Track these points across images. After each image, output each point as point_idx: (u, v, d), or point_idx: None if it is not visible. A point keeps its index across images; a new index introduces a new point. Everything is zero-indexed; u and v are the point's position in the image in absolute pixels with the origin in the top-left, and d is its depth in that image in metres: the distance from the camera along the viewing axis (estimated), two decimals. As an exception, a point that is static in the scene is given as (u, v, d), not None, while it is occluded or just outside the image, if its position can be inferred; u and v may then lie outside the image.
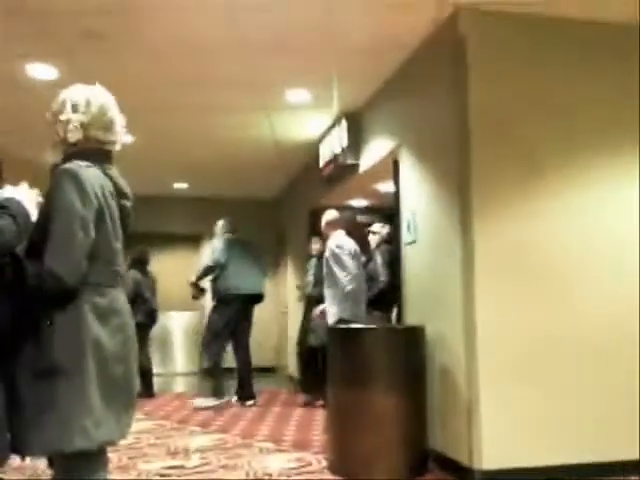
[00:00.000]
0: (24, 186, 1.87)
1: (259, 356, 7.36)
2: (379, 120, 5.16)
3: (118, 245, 1.97)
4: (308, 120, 5.97)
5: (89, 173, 1.89)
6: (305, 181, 7.79)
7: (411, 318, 4.30)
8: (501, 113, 3.69)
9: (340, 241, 4.86)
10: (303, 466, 3.96)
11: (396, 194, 4.73)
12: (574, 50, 3.81)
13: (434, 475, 3.66)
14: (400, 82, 4.66)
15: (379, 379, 3.66)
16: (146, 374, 6.73)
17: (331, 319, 4.63)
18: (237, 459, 4.15)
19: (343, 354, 3.84)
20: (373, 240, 5.80)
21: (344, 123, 5.62)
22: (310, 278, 6.45)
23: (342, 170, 5.85)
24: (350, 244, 4.90)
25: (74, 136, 1.98)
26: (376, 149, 5.19)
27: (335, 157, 5.88)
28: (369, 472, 3.59)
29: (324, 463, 3.97)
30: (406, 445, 3.66)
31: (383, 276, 5.45)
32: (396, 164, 4.72)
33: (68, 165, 1.89)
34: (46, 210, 1.84)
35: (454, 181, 3.81)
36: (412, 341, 3.84)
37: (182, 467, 3.95)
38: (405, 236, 4.47)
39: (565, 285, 3.67)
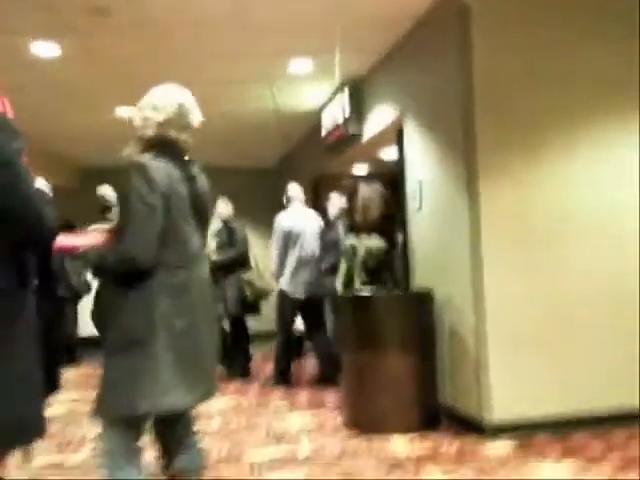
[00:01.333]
0: (41, 181, 2.02)
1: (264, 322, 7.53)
2: (382, 89, 5.24)
3: (189, 226, 2.13)
4: (310, 89, 6.03)
5: (156, 164, 2.06)
6: (307, 149, 7.88)
7: (419, 282, 4.47)
8: (505, 81, 3.79)
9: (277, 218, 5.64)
10: (320, 423, 4.18)
11: (400, 162, 4.85)
12: (579, 17, 3.89)
13: (446, 428, 3.88)
14: (404, 51, 4.73)
15: (391, 341, 3.86)
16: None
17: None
18: (256, 418, 4.38)
19: (356, 320, 4.03)
20: (332, 210, 5.90)
21: (346, 92, 5.70)
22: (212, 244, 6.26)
23: (344, 139, 5.95)
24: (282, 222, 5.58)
25: (149, 132, 2.15)
26: (379, 117, 5.29)
27: (337, 126, 5.97)
28: (384, 427, 3.81)
29: (340, 420, 4.19)
30: (419, 401, 3.88)
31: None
32: (400, 132, 4.83)
33: (137, 158, 2.08)
34: (122, 202, 2.08)
35: (459, 148, 3.93)
36: (421, 305, 4.03)
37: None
38: (411, 203, 4.60)
39: (568, 249, 3.83)
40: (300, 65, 5.32)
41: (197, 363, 2.11)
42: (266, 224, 8.32)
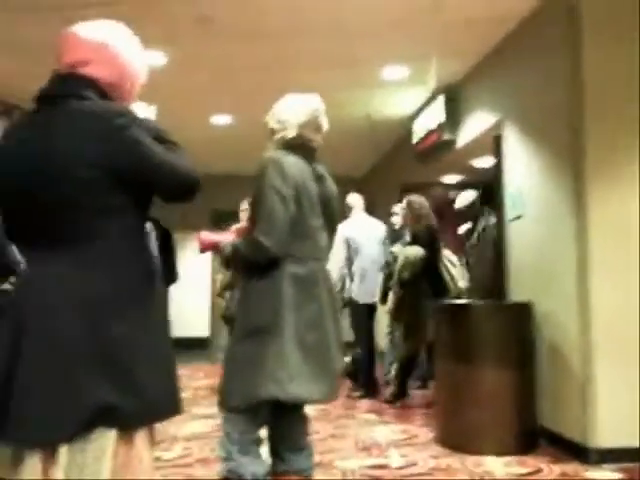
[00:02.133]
0: (143, 105, 2.02)
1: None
2: (480, 94, 5.08)
3: (317, 222, 2.23)
4: (403, 96, 5.94)
5: (290, 159, 2.19)
6: (397, 158, 7.78)
7: (517, 294, 4.26)
8: (619, 84, 3.56)
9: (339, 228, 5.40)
10: (409, 438, 4.05)
11: (497, 169, 4.66)
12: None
13: (545, 451, 3.65)
14: (504, 54, 4.56)
15: (488, 355, 3.68)
16: None
17: None
18: (344, 429, 4.30)
19: (451, 330, 3.88)
20: (396, 220, 5.83)
21: (441, 98, 5.57)
22: None
23: (437, 146, 5.81)
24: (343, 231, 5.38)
25: (290, 133, 2.29)
26: (476, 124, 5.12)
27: (430, 133, 5.84)
28: (477, 446, 3.63)
29: (431, 435, 4.05)
30: (515, 421, 3.66)
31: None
32: (498, 139, 4.65)
33: (272, 153, 2.21)
34: (256, 194, 2.15)
35: (566, 155, 3.72)
36: (521, 317, 3.83)
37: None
38: (510, 212, 4.41)
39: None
40: (395, 72, 5.26)
41: (322, 357, 2.12)
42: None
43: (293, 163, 2.20)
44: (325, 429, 4.30)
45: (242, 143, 7.22)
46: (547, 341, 3.85)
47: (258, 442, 2.15)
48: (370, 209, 9.30)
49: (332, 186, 2.39)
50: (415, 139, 6.32)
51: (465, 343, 3.73)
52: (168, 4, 4.03)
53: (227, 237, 2.28)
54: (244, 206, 4.95)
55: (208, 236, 2.25)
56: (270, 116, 2.39)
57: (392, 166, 8.08)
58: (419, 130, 6.22)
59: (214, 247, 2.25)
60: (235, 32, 4.49)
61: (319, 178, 2.31)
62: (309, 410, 4.71)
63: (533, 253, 4.10)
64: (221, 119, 6.65)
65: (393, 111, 6.41)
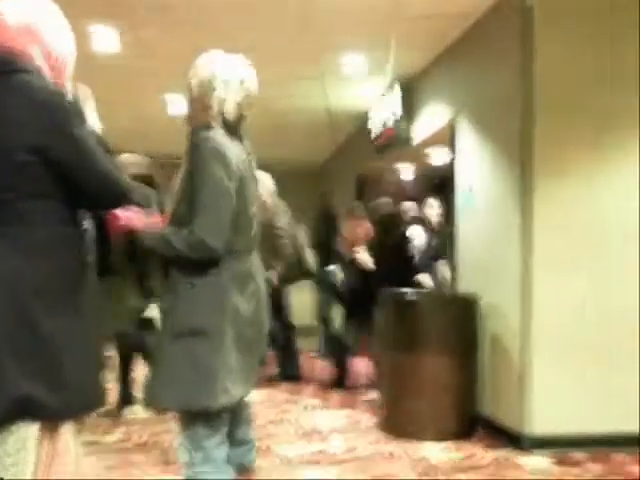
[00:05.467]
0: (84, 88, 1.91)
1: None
2: (436, 88, 5.13)
3: (254, 210, 2.08)
4: (361, 87, 5.95)
5: (231, 147, 1.99)
6: (354, 147, 7.81)
7: (464, 286, 4.35)
8: (567, 82, 3.64)
9: None
10: (352, 424, 4.11)
11: (451, 164, 4.73)
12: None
13: (482, 438, 3.76)
14: (461, 50, 4.62)
15: (431, 344, 3.76)
16: None
17: None
18: (285, 414, 4.34)
19: (396, 319, 3.94)
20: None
21: (398, 91, 5.60)
22: None
23: (393, 140, 5.85)
24: None
25: (231, 115, 2.05)
26: (431, 118, 5.18)
27: (387, 126, 5.88)
28: (418, 432, 3.71)
29: (373, 421, 4.11)
30: (455, 408, 3.77)
31: None
32: (453, 132, 4.71)
33: (212, 140, 1.96)
34: (189, 182, 1.95)
35: (515, 149, 3.80)
36: (465, 309, 3.92)
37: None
38: (460, 205, 4.49)
39: (625, 255, 3.63)
40: (352, 62, 5.25)
41: (256, 352, 2.08)
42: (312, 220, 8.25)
43: (233, 149, 2.00)
44: (266, 415, 4.31)
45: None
46: (490, 332, 3.95)
47: (221, 447, 2.02)
48: (329, 196, 9.38)
49: (255, 163, 2.19)
50: (373, 131, 6.35)
51: (409, 333, 3.81)
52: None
53: (153, 223, 2.05)
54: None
55: (131, 218, 1.95)
56: (202, 85, 2.04)
57: (349, 156, 8.11)
58: (376, 122, 6.25)
59: (131, 232, 1.99)
60: (191, 21, 4.41)
61: (249, 159, 2.12)
62: (253, 395, 4.74)
63: (481, 246, 4.19)
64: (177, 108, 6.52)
65: (351, 101, 6.42)
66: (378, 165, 6.83)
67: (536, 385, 3.54)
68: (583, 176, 3.68)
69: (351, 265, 5.23)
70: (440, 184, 5.52)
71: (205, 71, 2.08)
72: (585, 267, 3.62)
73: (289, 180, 9.64)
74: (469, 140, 4.46)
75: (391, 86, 5.72)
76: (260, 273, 2.12)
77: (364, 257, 5.11)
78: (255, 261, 2.09)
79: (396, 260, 4.99)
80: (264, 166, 10.03)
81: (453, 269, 4.57)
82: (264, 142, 8.30)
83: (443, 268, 5.05)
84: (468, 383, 3.84)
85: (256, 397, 4.72)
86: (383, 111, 5.99)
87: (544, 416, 3.52)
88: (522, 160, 3.72)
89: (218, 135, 1.98)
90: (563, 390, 3.55)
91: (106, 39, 4.69)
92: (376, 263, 5.04)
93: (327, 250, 6.13)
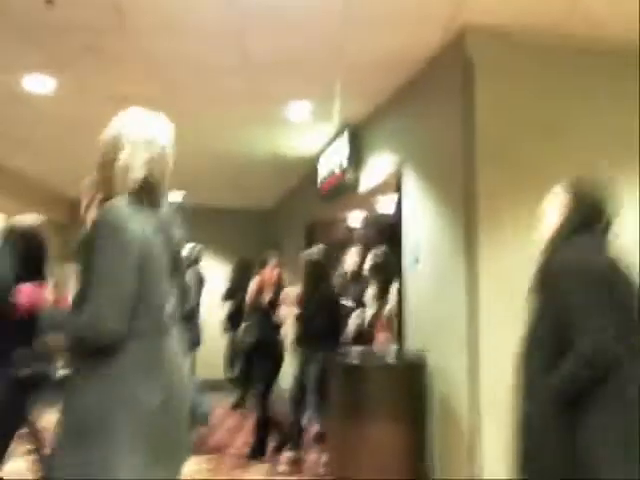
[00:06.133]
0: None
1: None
2: (382, 136, 5.09)
3: (165, 286, 1.83)
4: (308, 133, 5.89)
5: (131, 217, 1.74)
6: (302, 194, 7.72)
7: (412, 344, 4.20)
8: (507, 136, 3.62)
9: None
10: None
11: (397, 216, 4.63)
12: (578, 77, 3.77)
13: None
14: (405, 98, 4.58)
15: (377, 410, 3.59)
16: None
17: None
18: None
19: (340, 384, 3.78)
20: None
21: (345, 138, 5.55)
22: None
23: (340, 187, 5.78)
24: None
25: (133, 183, 1.80)
26: (377, 167, 5.11)
27: (334, 173, 5.81)
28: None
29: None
30: (405, 475, 3.58)
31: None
32: (399, 181, 4.63)
33: (110, 213, 1.74)
34: (87, 257, 1.73)
35: (459, 203, 3.73)
36: (412, 371, 3.78)
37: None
38: (407, 259, 4.38)
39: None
40: (298, 108, 5.18)
41: (171, 455, 1.79)
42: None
43: (136, 221, 1.75)
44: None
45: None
46: (438, 393, 3.81)
47: None
48: (277, 243, 9.24)
49: (178, 229, 1.96)
50: (320, 178, 6.27)
51: (356, 401, 3.63)
52: (55, 33, 3.77)
53: (46, 296, 1.85)
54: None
55: (30, 292, 1.80)
56: (106, 146, 1.84)
57: (298, 202, 8.01)
58: (323, 169, 6.18)
59: (33, 307, 1.82)
60: (131, 64, 4.27)
61: (165, 227, 1.87)
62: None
63: (428, 303, 4.07)
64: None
65: (298, 148, 6.36)
66: (328, 212, 6.73)
67: (486, 447, 3.39)
68: (527, 228, 3.61)
69: (260, 316, 5.11)
70: (389, 232, 5.43)
71: (111, 131, 1.87)
72: (533, 323, 3.54)
73: (238, 225, 9.52)
74: (414, 193, 4.39)
75: (339, 133, 5.67)
76: (180, 358, 1.86)
77: (283, 312, 4.96)
78: (171, 345, 1.82)
79: (323, 312, 4.79)
80: (214, 210, 9.92)
81: (400, 327, 4.42)
82: (212, 186, 8.25)
83: (354, 319, 4.91)
84: (417, 449, 3.67)
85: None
86: (330, 158, 5.93)
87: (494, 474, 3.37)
88: (466, 213, 3.65)
89: (120, 206, 1.75)
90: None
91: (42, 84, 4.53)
92: (304, 315, 4.85)
93: (240, 302, 6.03)
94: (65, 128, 5.67)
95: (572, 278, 1.99)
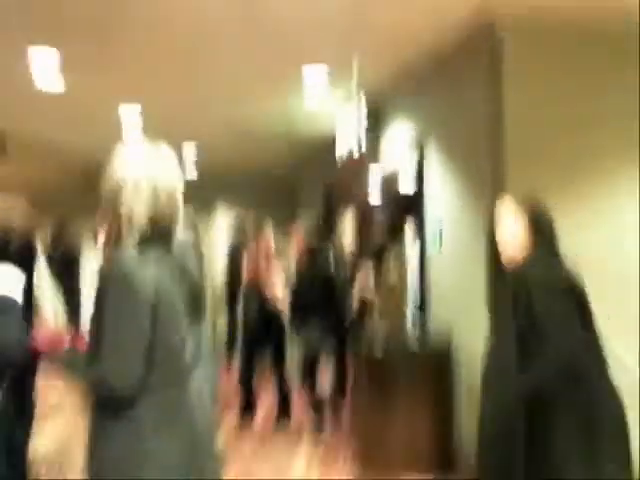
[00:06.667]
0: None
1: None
2: (401, 106, 4.92)
3: (181, 333, 1.73)
4: (324, 103, 5.68)
5: (140, 265, 1.65)
6: (317, 157, 7.55)
7: (438, 331, 4.12)
8: (540, 119, 3.46)
9: None
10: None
11: (419, 194, 4.47)
12: (614, 63, 3.55)
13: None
14: (429, 72, 4.39)
15: (404, 400, 3.61)
16: None
17: None
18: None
19: (368, 377, 3.76)
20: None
21: (362, 104, 5.34)
22: None
23: (358, 161, 5.61)
24: None
25: (139, 228, 1.69)
26: (397, 136, 4.95)
27: (352, 145, 5.62)
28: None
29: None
30: (433, 463, 3.59)
31: None
32: (420, 160, 4.47)
33: (115, 263, 1.66)
34: (99, 309, 1.66)
35: (485, 182, 3.61)
36: (439, 359, 3.77)
37: None
38: (430, 245, 4.27)
39: (599, 301, 3.42)
40: (315, 72, 4.94)
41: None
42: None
43: (147, 269, 1.65)
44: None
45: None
46: (465, 381, 3.76)
47: None
48: (292, 206, 9.12)
49: (193, 262, 1.83)
50: (338, 149, 6.09)
51: (382, 391, 3.62)
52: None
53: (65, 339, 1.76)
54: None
55: (49, 338, 1.72)
56: (108, 192, 1.72)
57: (314, 165, 7.86)
58: (342, 139, 5.99)
59: (54, 349, 1.73)
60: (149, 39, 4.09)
61: (181, 265, 1.76)
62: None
63: (454, 293, 3.98)
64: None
65: (313, 112, 6.16)
66: (345, 176, 6.59)
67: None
68: (555, 212, 3.48)
69: (253, 294, 4.81)
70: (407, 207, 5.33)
71: (111, 173, 1.75)
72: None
73: (252, 186, 9.36)
74: (437, 171, 4.25)
75: (356, 98, 5.46)
76: (205, 404, 1.79)
77: (277, 293, 4.73)
78: (192, 394, 1.74)
79: (320, 294, 4.52)
80: (227, 176, 9.70)
81: (425, 312, 4.33)
82: (226, 151, 8.09)
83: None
84: (444, 436, 3.68)
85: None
86: (348, 123, 5.73)
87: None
88: (493, 199, 3.51)
89: (127, 256, 1.66)
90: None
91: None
92: (299, 294, 4.64)
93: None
94: (75, 98, 5.51)
95: (542, 291, 2.22)
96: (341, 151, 5.92)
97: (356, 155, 5.34)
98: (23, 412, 1.83)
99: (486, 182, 3.58)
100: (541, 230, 2.40)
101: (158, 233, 1.72)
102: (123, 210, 1.69)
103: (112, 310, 1.63)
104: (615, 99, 3.52)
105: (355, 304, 4.66)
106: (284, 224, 9.20)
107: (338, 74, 4.90)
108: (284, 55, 4.59)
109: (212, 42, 4.36)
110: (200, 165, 8.68)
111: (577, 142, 3.48)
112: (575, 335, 2.18)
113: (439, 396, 3.68)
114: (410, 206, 4.72)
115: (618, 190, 3.53)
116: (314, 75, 4.94)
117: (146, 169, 1.74)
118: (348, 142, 5.66)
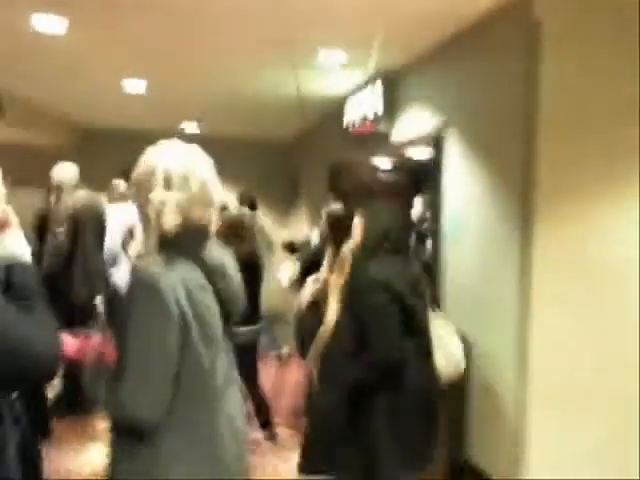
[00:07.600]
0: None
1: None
2: (420, 90, 4.69)
3: (212, 353, 1.57)
4: (339, 75, 5.45)
5: (170, 276, 1.49)
6: (325, 133, 7.32)
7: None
8: (580, 109, 3.26)
9: None
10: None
11: (436, 181, 4.29)
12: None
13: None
14: (452, 54, 4.15)
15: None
16: None
17: None
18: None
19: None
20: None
21: (379, 85, 5.13)
22: None
23: (371, 136, 5.43)
24: None
25: (170, 221, 1.55)
26: (415, 122, 4.74)
27: (366, 120, 5.43)
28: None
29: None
30: (443, 464, 3.49)
31: None
32: (438, 145, 4.28)
33: (141, 275, 1.50)
34: (123, 318, 1.50)
35: (515, 175, 3.42)
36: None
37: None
38: (447, 234, 4.11)
39: (635, 299, 3.33)
40: (331, 54, 4.73)
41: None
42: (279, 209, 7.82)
43: (176, 278, 1.50)
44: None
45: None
46: (481, 379, 3.66)
47: None
48: (294, 180, 8.93)
49: (230, 264, 1.69)
50: (349, 122, 5.88)
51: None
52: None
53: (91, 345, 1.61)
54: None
55: (72, 341, 1.58)
56: (138, 185, 1.61)
57: (320, 140, 7.63)
58: (352, 112, 5.78)
59: (80, 359, 1.57)
60: (159, 9, 3.85)
61: (217, 276, 1.62)
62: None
63: (472, 284, 3.83)
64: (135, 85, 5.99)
65: (326, 90, 5.93)
66: (353, 155, 6.38)
67: (533, 437, 3.27)
68: (592, 210, 3.34)
69: None
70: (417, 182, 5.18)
71: (143, 167, 1.62)
72: (591, 310, 3.30)
73: (254, 158, 9.14)
74: (458, 159, 4.05)
75: (372, 79, 5.24)
76: (238, 426, 1.65)
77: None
78: (221, 417, 1.59)
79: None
80: (229, 141, 9.42)
81: (438, 306, 4.19)
82: (228, 118, 7.83)
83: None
84: (455, 436, 3.57)
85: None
86: (361, 104, 5.53)
87: (539, 471, 3.28)
88: (523, 187, 3.35)
89: (155, 269, 1.50)
90: (561, 445, 3.30)
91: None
92: None
93: None
94: (77, 60, 5.25)
95: (371, 292, 2.46)
96: (352, 120, 5.68)
97: (368, 121, 5.12)
98: (36, 422, 1.70)
99: (517, 172, 3.41)
100: (373, 235, 2.58)
101: (187, 238, 1.58)
102: (152, 207, 1.56)
103: (137, 328, 1.48)
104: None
105: None
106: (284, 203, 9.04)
107: (354, 57, 4.68)
108: (296, 34, 4.35)
109: (216, 17, 4.13)
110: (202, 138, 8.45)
111: (620, 130, 3.29)
112: (390, 338, 2.42)
113: (450, 394, 3.56)
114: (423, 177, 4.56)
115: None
116: (330, 57, 4.74)
117: (179, 164, 1.61)
118: (361, 113, 5.45)
